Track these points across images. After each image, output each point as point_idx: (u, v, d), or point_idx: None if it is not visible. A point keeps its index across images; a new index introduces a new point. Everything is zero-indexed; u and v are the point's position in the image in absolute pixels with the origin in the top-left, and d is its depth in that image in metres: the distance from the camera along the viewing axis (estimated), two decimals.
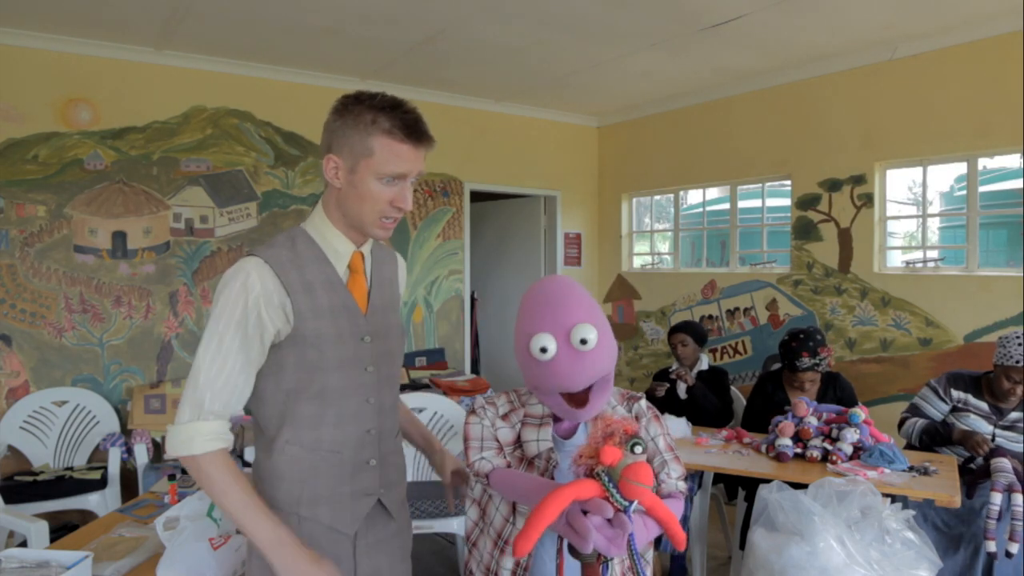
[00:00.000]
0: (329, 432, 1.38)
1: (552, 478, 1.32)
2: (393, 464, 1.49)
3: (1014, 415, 2.90)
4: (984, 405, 2.95)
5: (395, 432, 1.53)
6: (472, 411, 1.43)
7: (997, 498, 2.54)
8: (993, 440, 2.89)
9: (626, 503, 1.04)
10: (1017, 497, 2.52)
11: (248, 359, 1.29)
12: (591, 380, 1.22)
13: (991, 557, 2.57)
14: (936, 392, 3.06)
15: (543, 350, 1.20)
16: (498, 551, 1.40)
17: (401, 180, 1.33)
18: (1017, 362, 2.80)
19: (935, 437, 2.98)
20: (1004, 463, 2.62)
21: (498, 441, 1.39)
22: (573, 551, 1.09)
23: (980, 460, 2.78)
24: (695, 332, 3.93)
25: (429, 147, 1.36)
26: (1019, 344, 2.82)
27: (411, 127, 1.31)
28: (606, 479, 1.03)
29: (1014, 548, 2.51)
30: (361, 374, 1.40)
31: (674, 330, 3.97)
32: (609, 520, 1.05)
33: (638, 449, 1.04)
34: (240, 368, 1.29)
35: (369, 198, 1.33)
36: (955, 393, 3.01)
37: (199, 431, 1.25)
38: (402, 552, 1.54)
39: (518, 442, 1.33)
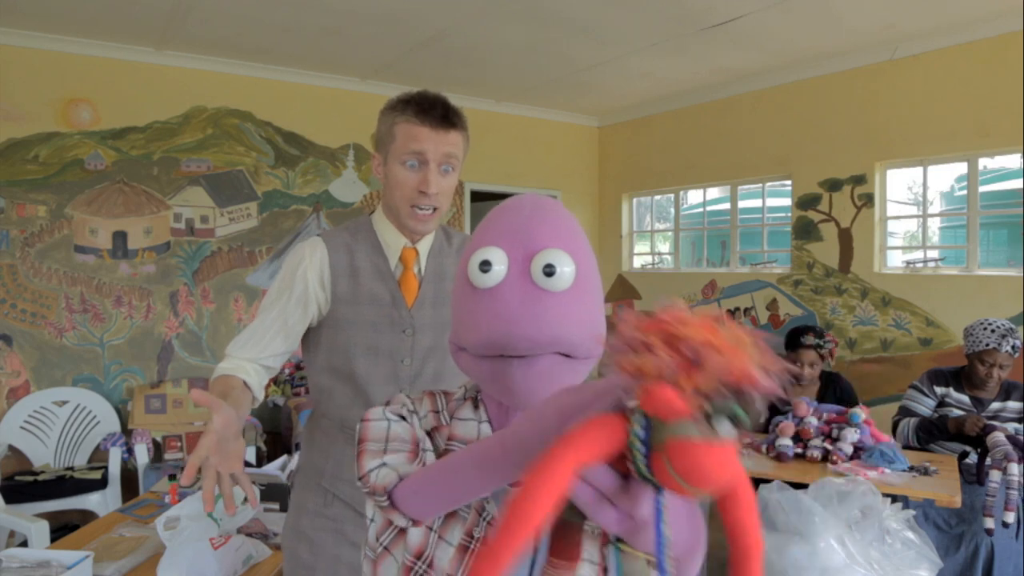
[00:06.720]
0: (359, 415, 1.36)
1: (483, 536, 0.77)
2: None
3: (995, 405, 2.95)
4: (965, 398, 3.00)
5: None
6: (366, 416, 0.85)
7: (996, 475, 2.55)
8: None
9: (655, 483, 0.54)
10: (1013, 467, 2.52)
11: (285, 323, 1.38)
12: (547, 340, 0.71)
13: (988, 534, 2.57)
14: (920, 391, 3.11)
15: (484, 266, 0.73)
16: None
17: (423, 164, 1.35)
18: (987, 345, 2.86)
19: (931, 431, 2.99)
20: (999, 438, 2.64)
21: (414, 444, 0.82)
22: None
23: (977, 443, 2.78)
24: None
25: (450, 130, 1.35)
26: (983, 328, 2.89)
27: (426, 110, 1.33)
28: (640, 434, 0.52)
29: (1010, 518, 2.51)
30: (396, 366, 1.40)
31: None
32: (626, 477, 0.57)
33: (725, 426, 0.50)
34: (275, 331, 1.38)
35: (397, 185, 1.37)
36: (938, 389, 3.07)
37: (223, 363, 1.36)
38: None
39: None
